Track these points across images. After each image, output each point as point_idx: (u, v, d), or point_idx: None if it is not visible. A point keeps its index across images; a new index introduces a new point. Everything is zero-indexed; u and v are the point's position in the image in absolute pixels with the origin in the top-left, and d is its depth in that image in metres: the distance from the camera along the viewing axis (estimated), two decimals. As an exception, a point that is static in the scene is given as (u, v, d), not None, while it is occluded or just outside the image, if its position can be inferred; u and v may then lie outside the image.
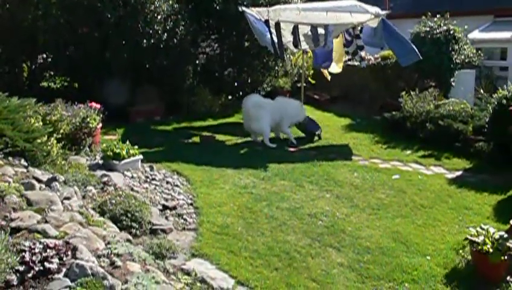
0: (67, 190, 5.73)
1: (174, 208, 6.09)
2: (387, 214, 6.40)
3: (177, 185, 6.91)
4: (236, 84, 12.55)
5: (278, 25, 8.90)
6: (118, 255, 4.14)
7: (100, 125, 8.43)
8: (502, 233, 5.04)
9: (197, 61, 11.96)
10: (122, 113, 10.52)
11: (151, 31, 9.79)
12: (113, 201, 5.63)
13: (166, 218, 5.84)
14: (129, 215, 5.41)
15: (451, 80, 12.04)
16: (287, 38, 9.28)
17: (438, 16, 12.23)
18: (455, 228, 6.06)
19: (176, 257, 4.91)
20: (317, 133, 10.16)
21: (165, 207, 6.10)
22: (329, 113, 12.50)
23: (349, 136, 10.35)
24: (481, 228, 5.12)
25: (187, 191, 6.75)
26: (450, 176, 8.15)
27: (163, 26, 10.01)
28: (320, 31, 9.11)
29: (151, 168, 7.52)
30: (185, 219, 5.86)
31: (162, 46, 10.08)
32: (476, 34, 14.19)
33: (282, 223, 5.90)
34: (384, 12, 9.31)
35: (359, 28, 9.91)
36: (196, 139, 9.64)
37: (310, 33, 9.17)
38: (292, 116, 9.86)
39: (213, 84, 12.42)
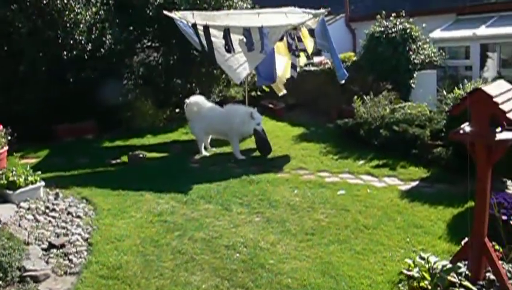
0: None
1: (62, 246, 5.06)
2: (322, 239, 5.44)
3: (78, 216, 5.88)
4: (181, 95, 11.54)
5: (206, 29, 7.97)
6: None
7: (6, 148, 7.37)
8: (445, 263, 4.12)
9: (136, 72, 10.93)
10: (48, 132, 9.47)
11: (71, 41, 8.76)
12: (-22, 243, 4.60)
13: (47, 260, 4.80)
14: (-7, 260, 4.37)
15: (411, 81, 11.22)
16: (219, 44, 8.32)
17: (393, 15, 11.43)
18: (399, 253, 5.12)
19: (37, 315, 3.89)
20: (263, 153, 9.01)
21: (51, 245, 5.07)
22: (283, 123, 11.59)
23: (299, 147, 9.41)
24: (420, 257, 4.20)
25: (88, 223, 5.72)
26: (404, 187, 7.26)
27: (86, 35, 8.99)
28: (255, 36, 8.18)
29: (56, 196, 6.49)
30: (70, 260, 4.83)
31: (86, 57, 9.05)
32: (438, 33, 13.45)
33: (190, 259, 4.90)
34: (322, 10, 8.42)
35: (302, 29, 9.06)
36: (125, 158, 8.60)
37: (243, 37, 8.21)
38: (237, 127, 8.75)
39: (156, 96, 11.43)
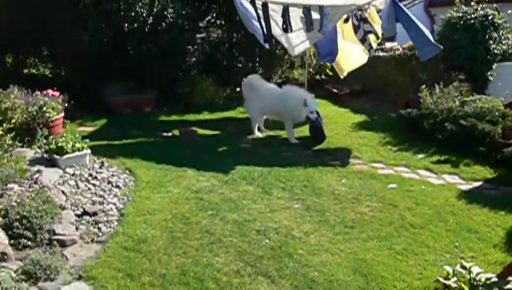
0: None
1: (95, 214, 5.09)
2: (361, 234, 5.07)
3: (118, 186, 5.90)
4: (243, 74, 11.38)
5: (265, 6, 7.66)
6: None
7: (62, 115, 7.58)
8: (491, 276, 3.64)
9: (199, 49, 10.89)
10: (108, 103, 9.68)
11: (133, 14, 8.82)
12: (14, 203, 4.73)
13: (78, 227, 4.84)
14: (24, 221, 4.46)
15: (489, 73, 10.28)
16: (277, 18, 7.99)
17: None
18: (444, 258, 4.66)
19: (55, 278, 3.92)
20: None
21: (85, 212, 5.11)
22: (345, 109, 11.07)
23: (357, 135, 8.93)
24: (462, 266, 3.74)
25: (125, 194, 5.71)
26: (465, 187, 6.67)
27: (148, 8, 9.01)
28: (315, 15, 7.77)
29: (101, 165, 6.56)
30: (99, 228, 4.84)
31: (147, 30, 9.08)
32: (527, 22, 12.27)
33: (216, 240, 4.74)
34: (391, -10, 7.77)
35: (369, 11, 8.50)
36: (177, 132, 8.59)
37: (302, 15, 7.82)
38: (290, 110, 8.38)
39: (218, 74, 11.32)
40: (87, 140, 6.77)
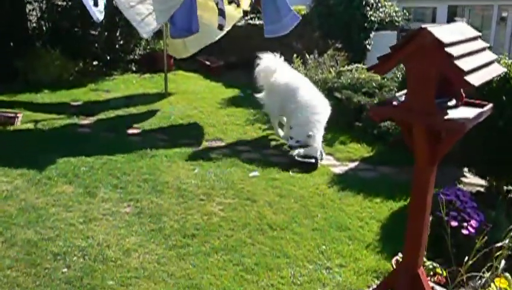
0: None
1: None
2: (203, 246, 3.85)
3: None
4: (97, 45, 9.71)
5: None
6: None
7: None
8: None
9: (39, 14, 8.98)
10: None
11: None
12: None
13: None
14: None
15: (366, 42, 9.60)
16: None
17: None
18: (306, 271, 3.62)
19: None
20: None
21: None
22: (217, 84, 9.86)
23: (224, 112, 7.74)
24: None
25: None
26: (339, 169, 5.80)
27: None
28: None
29: None
30: None
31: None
32: (403, -10, 11.92)
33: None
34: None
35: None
36: None
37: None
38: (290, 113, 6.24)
39: (69, 45, 9.49)
40: None
